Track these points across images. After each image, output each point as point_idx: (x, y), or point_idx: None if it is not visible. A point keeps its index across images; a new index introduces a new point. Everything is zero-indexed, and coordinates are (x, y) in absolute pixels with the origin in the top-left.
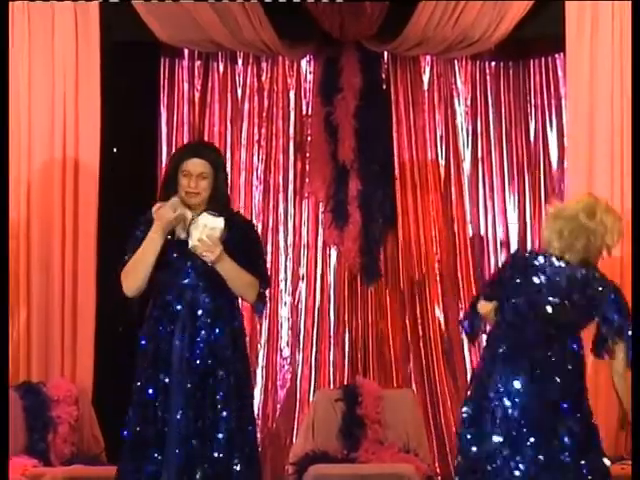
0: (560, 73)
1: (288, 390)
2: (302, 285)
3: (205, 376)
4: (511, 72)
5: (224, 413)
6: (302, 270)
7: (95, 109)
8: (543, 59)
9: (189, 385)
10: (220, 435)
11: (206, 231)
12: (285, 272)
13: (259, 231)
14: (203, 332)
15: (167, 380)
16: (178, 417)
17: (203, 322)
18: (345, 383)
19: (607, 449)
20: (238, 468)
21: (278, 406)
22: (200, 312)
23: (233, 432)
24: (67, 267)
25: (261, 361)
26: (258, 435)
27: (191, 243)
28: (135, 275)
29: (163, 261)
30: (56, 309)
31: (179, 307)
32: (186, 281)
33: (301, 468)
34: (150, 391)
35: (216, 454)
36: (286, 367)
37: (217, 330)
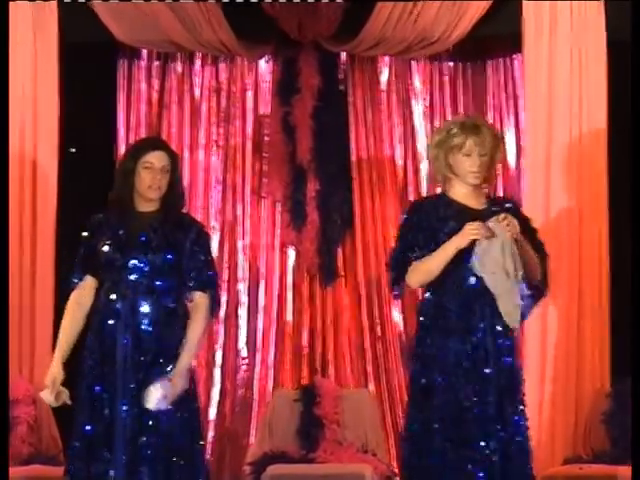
0: (517, 73)
1: (246, 390)
2: (260, 285)
3: (149, 372)
4: (469, 72)
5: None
6: (260, 270)
7: (53, 109)
8: (501, 59)
9: (133, 381)
10: (164, 431)
11: None
12: (243, 272)
13: (216, 231)
14: (146, 329)
15: (112, 376)
16: (123, 414)
17: (145, 320)
18: (303, 383)
19: (566, 448)
20: (182, 463)
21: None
22: (142, 310)
23: (176, 429)
24: (25, 268)
25: (219, 361)
26: (211, 434)
27: None
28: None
29: (106, 258)
30: (14, 310)
31: (122, 304)
32: (130, 277)
33: (259, 468)
34: (97, 388)
35: (163, 450)
36: (244, 367)
37: (160, 327)
